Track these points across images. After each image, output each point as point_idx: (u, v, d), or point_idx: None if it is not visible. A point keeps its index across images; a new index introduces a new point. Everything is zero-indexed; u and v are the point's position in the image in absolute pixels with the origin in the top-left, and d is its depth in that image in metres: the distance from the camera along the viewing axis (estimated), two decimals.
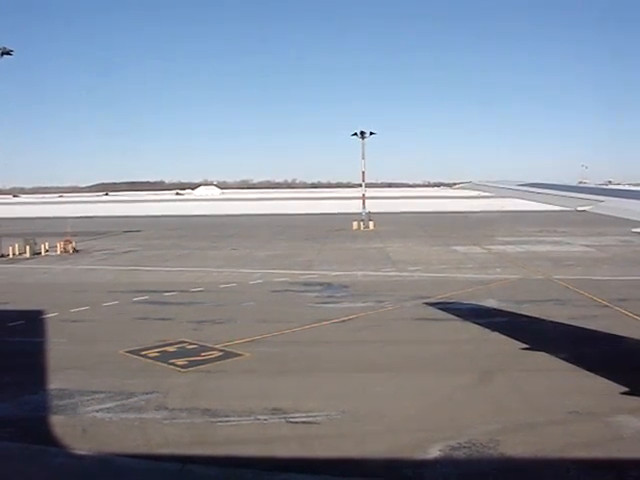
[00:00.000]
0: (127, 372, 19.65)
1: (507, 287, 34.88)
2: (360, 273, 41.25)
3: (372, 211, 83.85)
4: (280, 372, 19.56)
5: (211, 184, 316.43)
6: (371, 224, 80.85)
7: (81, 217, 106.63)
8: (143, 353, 21.77)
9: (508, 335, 23.21)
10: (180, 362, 20.56)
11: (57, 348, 22.67)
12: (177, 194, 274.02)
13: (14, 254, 54.03)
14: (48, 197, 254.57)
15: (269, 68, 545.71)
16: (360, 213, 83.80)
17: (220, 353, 21.67)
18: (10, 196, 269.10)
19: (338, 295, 33.20)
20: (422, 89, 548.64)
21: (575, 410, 15.79)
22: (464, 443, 13.87)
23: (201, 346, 22.61)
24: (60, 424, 15.34)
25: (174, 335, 24.27)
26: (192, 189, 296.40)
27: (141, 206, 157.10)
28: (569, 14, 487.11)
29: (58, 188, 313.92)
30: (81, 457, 13.53)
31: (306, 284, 37.06)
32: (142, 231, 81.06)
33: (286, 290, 35.34)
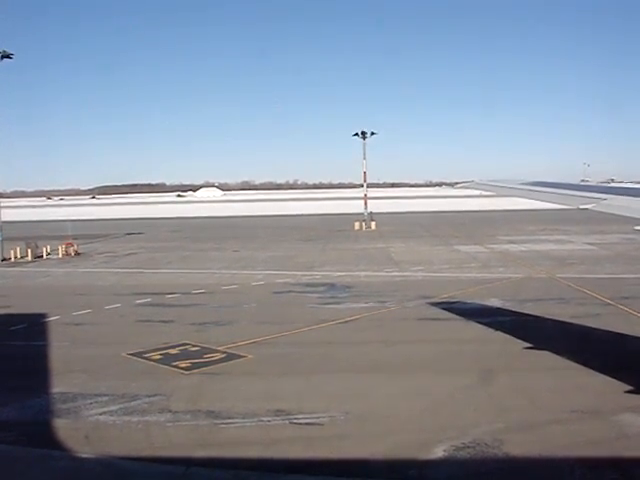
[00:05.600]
0: (130, 375, 19.64)
1: (510, 286, 34.82)
2: (362, 273, 41.22)
3: (374, 211, 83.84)
4: (283, 373, 19.54)
5: (213, 186, 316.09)
6: (373, 224, 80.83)
7: (83, 220, 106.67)
8: (146, 356, 21.76)
9: (511, 334, 23.16)
10: (183, 364, 20.55)
11: (60, 351, 22.68)
12: (179, 196, 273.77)
13: (16, 257, 54.12)
14: (49, 200, 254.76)
15: (270, 69, 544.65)
16: (362, 213, 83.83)
17: (223, 355, 21.65)
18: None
19: (341, 296, 33.16)
20: (423, 89, 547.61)
21: (579, 409, 15.75)
22: (468, 443, 13.84)
23: (204, 348, 22.60)
24: (63, 427, 15.34)
25: (177, 337, 24.26)
26: (194, 191, 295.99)
27: (143, 208, 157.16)
28: (570, 13, 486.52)
29: (59, 191, 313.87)
30: (84, 460, 13.52)
31: (308, 285, 37.04)
32: (144, 233, 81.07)
33: (289, 291, 35.32)
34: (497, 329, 24.18)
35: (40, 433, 15.13)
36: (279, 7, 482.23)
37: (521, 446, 13.71)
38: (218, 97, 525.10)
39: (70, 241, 58.47)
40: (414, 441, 14.21)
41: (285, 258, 50.96)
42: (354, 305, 30.32)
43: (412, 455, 13.58)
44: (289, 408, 16.22)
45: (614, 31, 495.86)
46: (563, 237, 62.81)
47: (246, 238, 70.51)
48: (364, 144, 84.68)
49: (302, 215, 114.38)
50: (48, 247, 56.74)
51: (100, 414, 16.25)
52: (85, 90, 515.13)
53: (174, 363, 20.75)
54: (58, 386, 18.57)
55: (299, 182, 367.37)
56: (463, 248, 54.88)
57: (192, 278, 41.03)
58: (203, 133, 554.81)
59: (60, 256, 55.60)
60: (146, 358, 21.50)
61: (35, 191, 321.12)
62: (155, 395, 17.57)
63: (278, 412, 16.00)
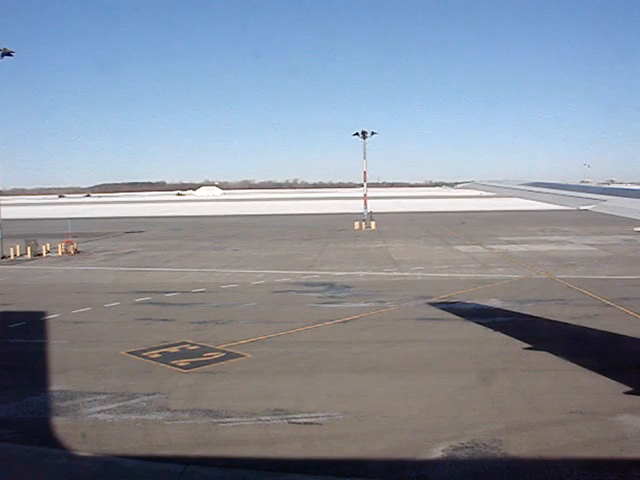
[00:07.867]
0: (129, 373, 19.64)
1: (509, 287, 34.83)
2: (362, 273, 41.21)
3: (374, 211, 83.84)
4: (282, 373, 19.54)
5: (212, 185, 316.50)
6: (373, 224, 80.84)
7: (82, 218, 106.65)
8: (145, 354, 21.76)
9: (511, 335, 23.18)
10: (182, 363, 20.55)
11: (59, 349, 22.67)
12: (178, 195, 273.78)
13: (15, 255, 54.09)
14: (50, 198, 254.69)
15: (270, 68, 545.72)
16: (362, 213, 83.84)
17: (222, 354, 21.65)
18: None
19: (340, 295, 33.16)
20: (424, 89, 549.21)
21: (578, 410, 15.75)
22: (467, 443, 13.84)
23: (203, 347, 22.59)
24: (62, 425, 15.33)
25: (176, 336, 24.26)
26: (193, 190, 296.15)
27: (142, 207, 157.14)
28: (570, 13, 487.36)
29: (59, 189, 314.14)
30: (83, 459, 13.51)
31: (308, 284, 37.03)
32: (144, 232, 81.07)
33: (288, 290, 35.31)
34: (496, 329, 24.19)
35: (39, 431, 15.13)
36: (280, 7, 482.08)
37: (520, 447, 13.71)
38: (218, 96, 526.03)
39: (69, 239, 58.46)
40: (412, 441, 14.21)
41: (285, 257, 50.95)
42: (353, 305, 30.31)
43: (410, 455, 13.58)
44: (288, 407, 16.22)
45: (614, 31, 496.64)
46: (563, 238, 62.82)
47: (246, 237, 70.51)
48: (364, 144, 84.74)
49: (302, 214, 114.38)
50: (48, 245, 56.73)
51: (99, 412, 16.25)
52: (85, 88, 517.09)
53: (173, 362, 20.75)
54: (57, 384, 18.57)
55: (299, 182, 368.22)
56: (463, 248, 54.89)
57: (192, 277, 41.02)
58: (203, 132, 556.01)
59: (59, 254, 55.60)
60: (145, 356, 21.50)
61: (34, 189, 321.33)
62: (154, 394, 17.56)
63: (277, 411, 16.00)
